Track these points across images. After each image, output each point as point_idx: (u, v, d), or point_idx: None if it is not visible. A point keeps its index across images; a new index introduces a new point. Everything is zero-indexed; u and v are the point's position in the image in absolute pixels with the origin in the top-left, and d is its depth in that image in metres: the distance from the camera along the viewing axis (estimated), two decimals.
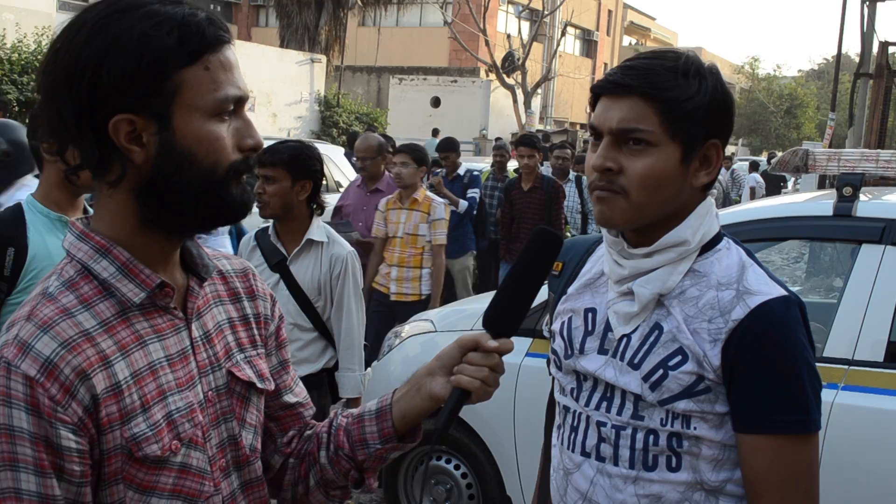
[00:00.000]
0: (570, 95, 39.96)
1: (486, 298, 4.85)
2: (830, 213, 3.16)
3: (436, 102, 27.32)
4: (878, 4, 12.71)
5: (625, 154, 1.48)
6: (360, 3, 26.23)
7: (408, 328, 4.51)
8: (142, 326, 1.21)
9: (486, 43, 26.25)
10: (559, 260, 1.80)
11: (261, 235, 3.54)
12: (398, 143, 8.02)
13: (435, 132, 20.80)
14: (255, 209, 1.41)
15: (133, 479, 1.17)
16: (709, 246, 1.54)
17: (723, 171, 16.19)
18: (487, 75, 28.00)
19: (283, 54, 21.72)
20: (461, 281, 7.77)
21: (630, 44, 54.16)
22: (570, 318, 1.67)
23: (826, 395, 1.78)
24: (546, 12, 28.71)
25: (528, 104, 27.10)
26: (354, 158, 7.18)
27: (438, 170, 8.55)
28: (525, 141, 7.76)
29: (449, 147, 8.42)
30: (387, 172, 6.30)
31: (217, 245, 4.73)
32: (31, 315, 1.14)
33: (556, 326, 1.70)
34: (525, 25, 30.12)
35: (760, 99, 45.45)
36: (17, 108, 13.16)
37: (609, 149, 1.49)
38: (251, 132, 1.23)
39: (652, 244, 1.52)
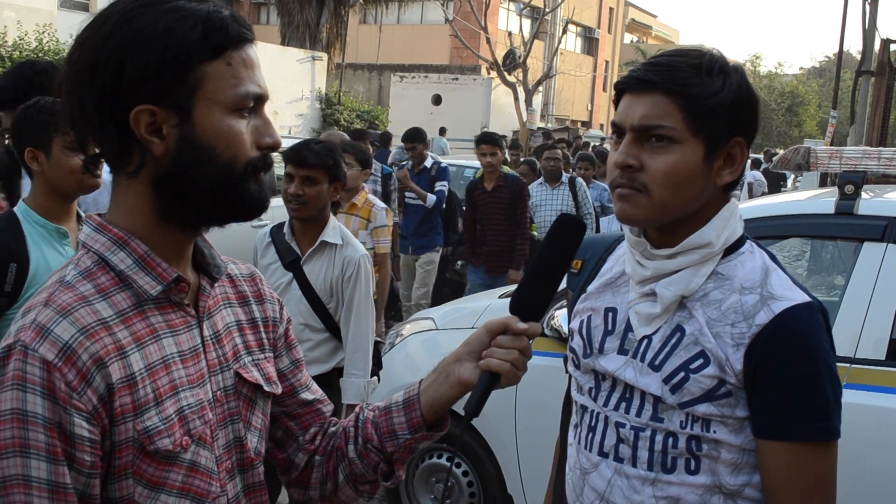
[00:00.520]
0: (571, 93, 39.94)
1: (486, 297, 4.85)
2: (832, 210, 3.15)
3: (437, 100, 27.31)
4: (880, 2, 12.71)
5: (647, 151, 1.47)
6: (361, 0, 26.22)
7: (409, 327, 4.51)
8: (156, 320, 1.21)
9: (488, 40, 26.24)
10: (578, 258, 1.79)
11: (276, 232, 3.51)
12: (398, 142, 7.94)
13: (442, 131, 20.67)
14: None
15: (143, 475, 1.16)
16: (732, 248, 1.53)
17: None
18: (489, 73, 27.99)
19: (284, 52, 21.70)
20: (422, 277, 7.50)
21: (631, 41, 54.13)
22: (589, 317, 1.65)
23: None
24: (547, 10, 28.69)
25: (529, 102, 27.10)
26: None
27: (404, 161, 8.19)
28: (486, 138, 7.34)
29: (415, 137, 7.92)
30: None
31: None
32: (49, 301, 1.14)
33: (574, 325, 1.69)
34: (526, 23, 30.13)
35: (762, 97, 45.41)
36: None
37: (631, 145, 1.48)
38: (270, 131, 1.24)
39: (675, 245, 1.51)
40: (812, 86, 48.38)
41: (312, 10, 24.25)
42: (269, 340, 1.41)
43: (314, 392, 1.50)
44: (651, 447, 1.51)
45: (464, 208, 7.68)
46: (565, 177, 7.97)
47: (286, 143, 4.08)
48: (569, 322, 1.74)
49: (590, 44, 43.30)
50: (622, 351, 1.57)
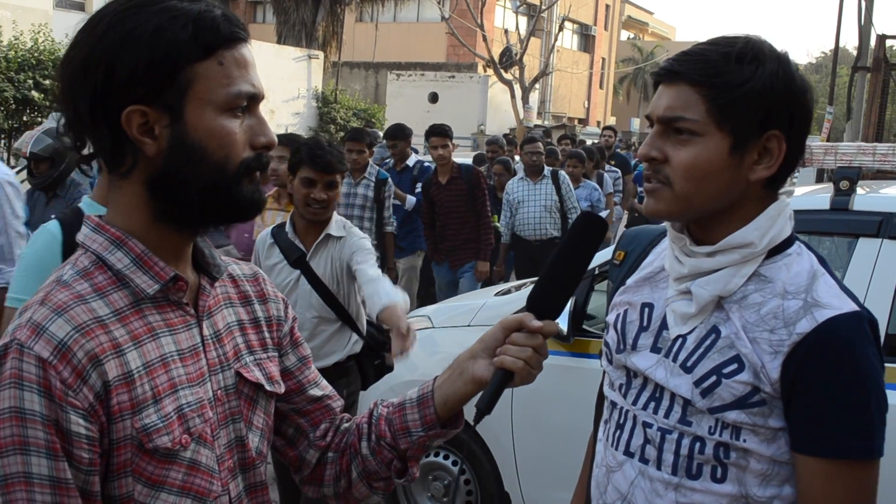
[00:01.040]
0: (567, 90, 39.93)
1: (482, 295, 4.85)
2: (827, 206, 3.15)
3: (433, 98, 27.30)
4: None
5: (671, 143, 1.43)
6: None
7: None
8: (154, 319, 1.21)
9: (484, 38, 26.22)
10: (622, 249, 1.75)
11: (277, 232, 3.55)
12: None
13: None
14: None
15: (142, 473, 1.16)
16: (778, 249, 1.45)
17: None
18: (485, 71, 27.98)
19: (280, 50, 21.67)
20: (405, 282, 7.12)
21: (628, 38, 54.16)
22: (625, 311, 1.61)
23: None
24: (543, 7, 28.69)
25: (525, 99, 27.10)
26: None
27: (386, 160, 7.74)
28: (436, 130, 6.95)
29: (397, 134, 7.39)
30: None
31: None
32: (46, 300, 1.15)
33: (610, 318, 1.65)
34: (522, 20, 30.11)
35: None
36: (13, 106, 13.13)
37: (656, 138, 1.45)
38: (265, 130, 1.24)
39: (715, 243, 1.45)
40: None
41: (308, 8, 24.21)
42: (273, 339, 1.41)
43: (323, 388, 1.49)
44: (677, 451, 1.45)
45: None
46: (547, 170, 7.56)
47: None
48: (606, 314, 1.71)
49: (586, 41, 43.29)
50: (655, 349, 1.52)
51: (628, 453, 1.53)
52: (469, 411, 1.35)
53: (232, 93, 1.19)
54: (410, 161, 7.46)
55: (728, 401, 1.40)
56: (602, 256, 3.70)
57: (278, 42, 23.67)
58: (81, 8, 20.12)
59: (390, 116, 23.41)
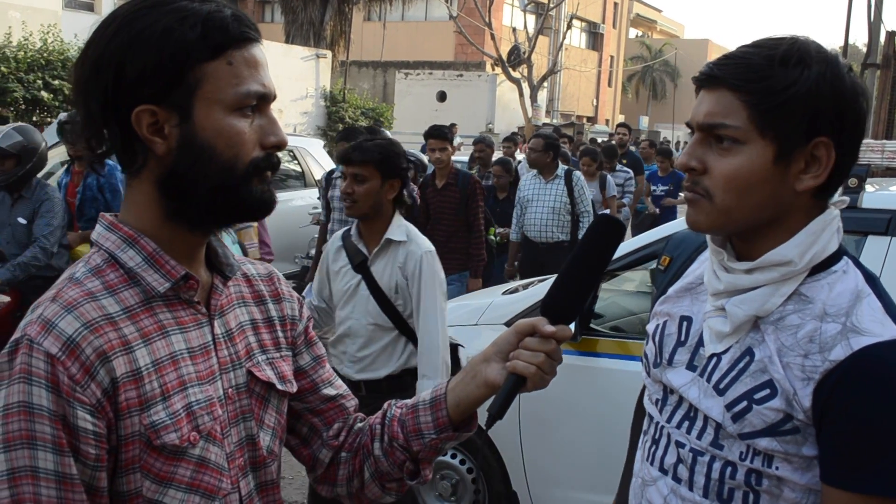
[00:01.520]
0: (576, 88, 39.89)
1: (489, 294, 4.85)
2: None
3: (442, 97, 27.30)
4: None
5: (713, 152, 1.35)
6: None
7: None
8: (165, 317, 1.22)
9: (492, 37, 26.24)
10: (668, 254, 1.69)
11: (346, 236, 3.47)
12: (402, 139, 7.59)
13: (452, 127, 19.87)
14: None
15: (150, 469, 1.17)
16: (823, 266, 1.35)
17: None
18: (493, 69, 27.98)
19: (288, 50, 21.70)
20: None
21: (636, 36, 54.05)
22: (665, 323, 1.54)
23: None
24: (552, 5, 28.65)
25: (534, 98, 27.08)
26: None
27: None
28: (434, 133, 6.53)
29: (349, 136, 6.48)
30: None
31: None
32: (57, 297, 1.16)
33: (650, 328, 1.58)
34: (531, 19, 30.09)
35: None
36: (23, 106, 13.19)
37: (697, 146, 1.37)
38: (275, 130, 1.24)
39: (755, 258, 1.36)
40: None
41: (316, 7, 24.26)
42: (286, 339, 1.42)
43: (337, 388, 1.49)
44: (708, 474, 1.39)
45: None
46: (561, 169, 7.19)
47: (291, 142, 4.04)
48: (648, 322, 1.64)
49: (594, 39, 43.24)
50: (691, 366, 1.45)
51: (662, 470, 1.48)
52: (482, 416, 1.34)
53: (241, 92, 1.19)
54: None
55: (759, 427, 1.33)
56: None
57: (286, 41, 23.72)
58: (90, 9, 20.21)
59: (399, 115, 23.47)
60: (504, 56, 26.61)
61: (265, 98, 1.23)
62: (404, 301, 3.35)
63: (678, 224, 3.46)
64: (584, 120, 37.19)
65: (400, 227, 3.39)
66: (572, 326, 3.51)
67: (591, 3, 37.49)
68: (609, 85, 45.18)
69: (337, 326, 3.42)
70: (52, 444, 1.08)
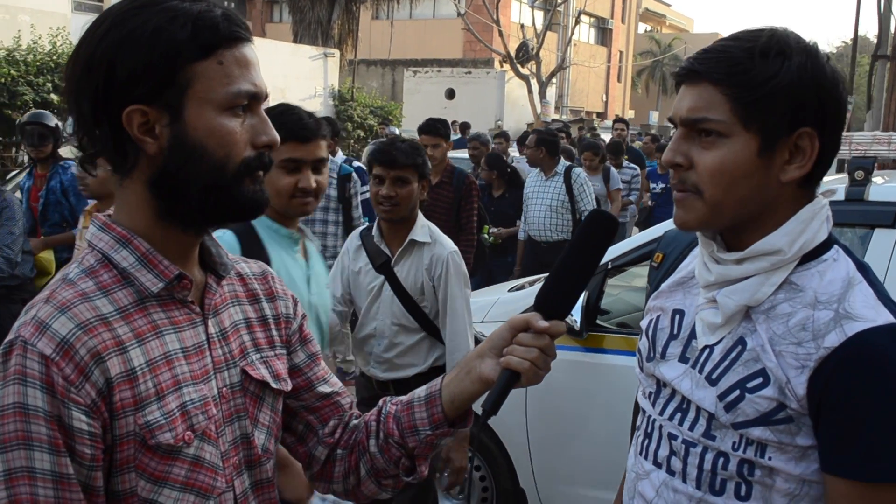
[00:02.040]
0: (585, 84, 39.81)
1: (495, 291, 4.84)
2: (842, 197, 3.11)
3: (450, 94, 27.30)
4: None
5: (697, 147, 1.35)
6: None
7: None
8: (158, 317, 1.22)
9: (500, 33, 26.20)
10: (661, 251, 1.71)
11: (365, 235, 3.44)
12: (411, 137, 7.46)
13: (465, 126, 18.06)
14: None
15: (145, 469, 1.17)
16: (813, 254, 1.36)
17: None
18: (502, 66, 27.93)
19: (296, 49, 21.73)
20: None
21: (645, 31, 53.88)
22: (657, 318, 1.55)
23: None
24: (559, 1, 28.58)
25: (543, 94, 27.04)
26: None
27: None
28: (427, 128, 6.18)
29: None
30: None
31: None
32: (50, 298, 1.16)
33: (644, 323, 1.60)
34: (539, 15, 30.01)
35: None
36: (33, 109, 13.25)
37: (680, 141, 1.37)
38: (266, 129, 1.24)
39: (744, 249, 1.37)
40: None
41: (324, 6, 24.27)
42: (281, 337, 1.42)
43: (332, 385, 1.50)
44: (700, 465, 1.39)
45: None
46: (561, 166, 7.12)
47: None
48: (642, 319, 1.66)
49: (603, 34, 43.12)
50: (683, 359, 1.46)
51: (656, 463, 1.49)
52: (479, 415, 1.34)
53: (232, 92, 1.19)
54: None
55: (752, 416, 1.33)
56: (615, 250, 3.69)
57: (294, 41, 23.74)
58: (99, 11, 20.27)
59: (407, 113, 23.44)
60: (512, 53, 26.58)
61: (256, 97, 1.23)
62: (430, 302, 3.32)
63: None
64: (594, 115, 37.09)
65: (423, 228, 3.35)
66: (576, 321, 3.50)
67: None
68: (618, 80, 45.06)
69: (361, 327, 3.39)
70: (48, 444, 1.09)
